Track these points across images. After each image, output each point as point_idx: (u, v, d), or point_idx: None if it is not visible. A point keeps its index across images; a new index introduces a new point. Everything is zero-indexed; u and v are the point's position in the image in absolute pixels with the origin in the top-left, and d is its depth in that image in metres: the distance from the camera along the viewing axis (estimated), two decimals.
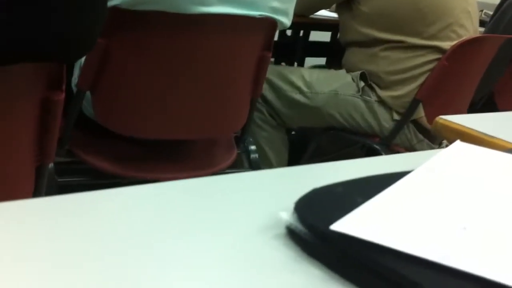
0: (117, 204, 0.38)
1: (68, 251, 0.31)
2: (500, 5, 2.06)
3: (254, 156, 1.55)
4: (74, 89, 1.24)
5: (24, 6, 0.68)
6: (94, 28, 0.83)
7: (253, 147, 1.56)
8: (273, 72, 1.79)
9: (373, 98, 1.75)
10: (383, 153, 1.75)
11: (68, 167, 1.32)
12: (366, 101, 1.75)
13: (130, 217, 0.36)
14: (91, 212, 0.36)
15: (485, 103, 2.17)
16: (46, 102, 0.81)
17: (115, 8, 1.10)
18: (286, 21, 1.33)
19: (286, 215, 0.36)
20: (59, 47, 0.77)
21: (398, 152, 1.79)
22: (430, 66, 1.69)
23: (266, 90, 1.78)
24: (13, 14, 0.68)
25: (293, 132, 2.19)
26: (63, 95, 0.82)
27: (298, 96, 1.78)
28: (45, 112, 0.81)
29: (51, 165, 1.14)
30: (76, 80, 1.22)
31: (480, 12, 2.60)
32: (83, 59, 1.19)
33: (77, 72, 1.26)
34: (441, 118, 0.70)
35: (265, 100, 1.81)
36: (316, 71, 1.86)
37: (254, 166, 1.55)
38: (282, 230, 0.36)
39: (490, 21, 2.10)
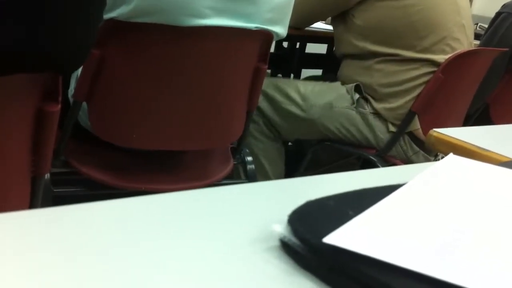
0: (112, 216, 0.38)
1: (65, 263, 0.32)
2: (494, 19, 2.08)
3: (250, 167, 1.56)
4: (71, 100, 1.24)
5: (17, 15, 0.68)
6: (88, 39, 0.83)
7: (249, 158, 1.56)
8: (268, 84, 1.80)
9: (368, 110, 1.76)
10: (379, 165, 1.76)
11: (64, 177, 1.32)
12: (360, 113, 1.75)
13: (124, 228, 0.36)
14: (86, 223, 0.37)
15: (480, 116, 2.19)
16: (41, 113, 0.81)
17: (111, 20, 1.11)
18: (283, 31, 1.34)
19: (280, 228, 0.36)
20: (53, 57, 0.77)
21: (394, 163, 1.79)
22: (424, 79, 1.70)
23: (262, 102, 1.78)
24: (6, 23, 0.68)
25: (289, 143, 2.20)
26: (58, 107, 0.82)
27: (293, 109, 1.79)
28: (40, 123, 0.81)
29: (47, 175, 1.14)
30: (73, 92, 1.23)
31: (475, 26, 2.63)
32: (79, 70, 1.19)
33: (73, 83, 1.27)
34: (435, 131, 0.70)
35: (261, 112, 1.81)
36: (311, 83, 1.87)
37: (251, 177, 1.55)
38: (276, 243, 0.36)
39: (484, 34, 2.12)
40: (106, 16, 1.10)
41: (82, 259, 0.32)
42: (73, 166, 1.28)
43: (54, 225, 0.36)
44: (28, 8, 0.69)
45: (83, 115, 1.27)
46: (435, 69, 1.69)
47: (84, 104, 1.22)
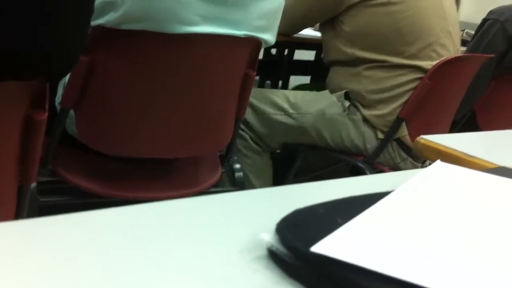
0: (98, 226, 0.38)
1: (62, 267, 0.31)
2: (481, 25, 2.10)
3: (238, 174, 1.55)
4: (58, 107, 1.23)
5: (5, 22, 0.68)
6: (76, 46, 0.83)
7: (237, 166, 1.56)
8: (256, 95, 1.79)
9: (359, 116, 1.76)
10: (367, 172, 1.76)
11: (51, 186, 1.30)
12: (352, 120, 1.76)
13: (113, 236, 0.36)
14: (73, 234, 0.36)
15: (467, 122, 2.20)
16: (28, 121, 0.80)
17: (99, 26, 1.10)
18: (271, 38, 1.34)
19: (268, 237, 0.36)
20: (41, 64, 0.76)
21: (382, 170, 1.80)
22: (412, 85, 1.71)
23: (249, 115, 1.78)
24: (6, 23, 0.67)
25: (278, 151, 2.20)
26: (45, 115, 0.81)
27: (283, 118, 1.79)
28: (27, 131, 0.81)
29: (33, 184, 1.13)
30: (60, 99, 1.22)
31: (462, 32, 2.65)
32: (67, 78, 1.18)
33: (60, 91, 1.26)
34: (422, 138, 0.71)
35: (248, 126, 1.81)
36: (300, 92, 1.88)
37: (239, 185, 1.54)
38: (264, 252, 0.36)
39: (471, 41, 2.14)
40: (95, 22, 1.09)
41: (77, 264, 0.32)
42: (60, 175, 1.27)
43: (40, 236, 0.35)
44: (28, 8, 0.69)
45: (70, 123, 1.26)
46: (422, 75, 1.70)
47: (71, 111, 1.22)
